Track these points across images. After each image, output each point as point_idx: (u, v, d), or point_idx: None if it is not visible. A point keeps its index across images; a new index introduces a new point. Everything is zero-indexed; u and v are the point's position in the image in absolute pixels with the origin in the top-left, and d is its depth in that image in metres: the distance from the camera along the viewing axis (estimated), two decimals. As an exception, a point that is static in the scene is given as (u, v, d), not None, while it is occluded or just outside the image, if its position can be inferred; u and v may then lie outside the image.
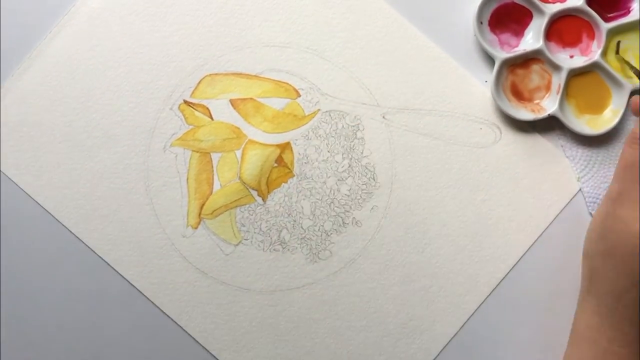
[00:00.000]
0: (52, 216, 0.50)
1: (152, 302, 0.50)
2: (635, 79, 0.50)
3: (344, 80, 0.51)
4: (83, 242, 0.50)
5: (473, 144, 0.51)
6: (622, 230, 0.45)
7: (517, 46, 0.51)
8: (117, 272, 0.50)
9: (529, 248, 0.51)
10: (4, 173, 0.50)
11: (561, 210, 0.51)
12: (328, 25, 0.52)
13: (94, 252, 0.50)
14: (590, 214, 0.51)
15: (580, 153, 0.52)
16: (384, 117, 0.51)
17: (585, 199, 0.51)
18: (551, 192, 0.51)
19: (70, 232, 0.50)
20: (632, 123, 0.51)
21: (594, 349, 0.46)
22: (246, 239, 0.50)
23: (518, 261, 0.51)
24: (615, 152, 0.52)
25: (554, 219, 0.51)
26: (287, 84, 0.51)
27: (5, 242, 0.51)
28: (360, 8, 0.52)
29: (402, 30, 0.52)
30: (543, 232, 0.51)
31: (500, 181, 0.51)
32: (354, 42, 0.51)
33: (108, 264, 0.50)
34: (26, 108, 0.51)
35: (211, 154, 0.51)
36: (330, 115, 0.51)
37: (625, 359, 0.45)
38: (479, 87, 0.51)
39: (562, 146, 0.52)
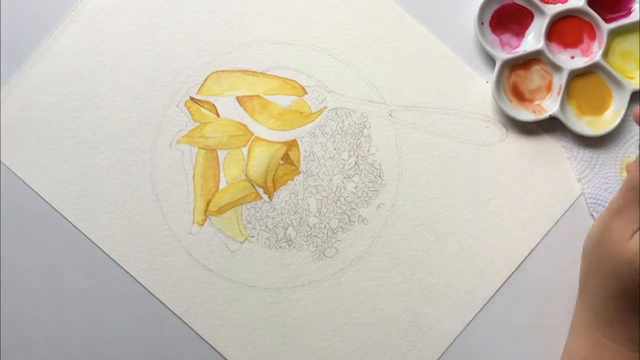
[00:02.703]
0: (58, 212, 0.55)
1: (158, 299, 0.55)
2: (636, 79, 0.54)
3: (350, 78, 0.56)
4: (89, 239, 0.55)
5: (479, 142, 0.56)
6: (613, 244, 0.49)
7: (518, 47, 0.55)
8: (123, 268, 0.55)
9: (535, 246, 0.55)
10: (10, 169, 0.55)
11: (567, 210, 0.56)
12: (335, 22, 0.56)
13: (99, 248, 0.55)
14: (592, 215, 0.56)
15: (581, 154, 0.56)
16: (390, 114, 0.56)
17: (586, 199, 0.56)
18: (557, 191, 0.56)
19: (76, 228, 0.55)
20: (632, 124, 0.55)
21: (590, 342, 0.51)
22: (252, 236, 0.55)
23: (524, 260, 0.55)
24: (616, 153, 0.56)
25: (560, 218, 0.55)
26: (294, 81, 0.56)
27: (11, 238, 0.55)
28: (367, 6, 0.56)
29: (409, 28, 0.56)
30: (549, 230, 0.55)
31: (506, 179, 0.55)
32: (361, 39, 0.56)
33: (114, 261, 0.55)
34: (33, 104, 0.55)
35: (217, 151, 0.55)
36: (336, 113, 0.56)
37: (620, 354, 0.50)
38: (484, 85, 0.56)
39: (563, 147, 0.56)
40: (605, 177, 0.56)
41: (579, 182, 0.56)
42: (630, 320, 0.49)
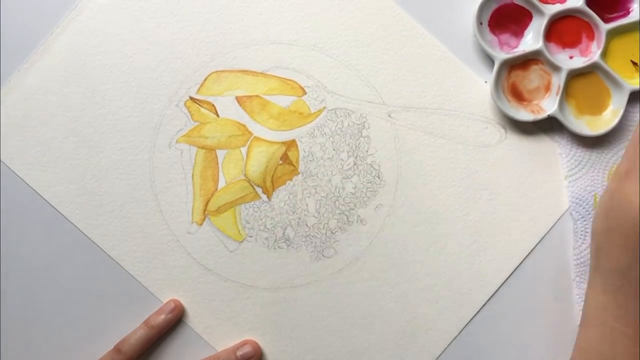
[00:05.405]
0: (58, 211, 0.55)
1: (157, 298, 0.55)
2: (635, 79, 0.54)
3: (349, 79, 0.56)
4: (88, 237, 0.55)
5: (478, 143, 0.56)
6: (624, 206, 0.48)
7: (516, 47, 0.55)
8: (122, 267, 0.55)
9: (534, 247, 0.55)
10: (9, 167, 0.55)
11: (565, 211, 0.55)
12: (334, 23, 0.56)
13: (99, 247, 0.55)
14: (571, 214, 0.55)
15: (574, 152, 0.55)
16: (389, 115, 0.56)
17: (568, 198, 0.56)
18: (556, 192, 0.56)
19: (76, 227, 0.55)
20: (629, 130, 0.55)
21: (601, 329, 0.49)
22: (251, 236, 0.55)
23: (523, 260, 0.55)
24: (607, 158, 0.56)
25: (559, 219, 0.55)
26: (293, 81, 0.56)
27: (10, 237, 0.55)
28: (367, 6, 0.56)
29: (409, 29, 0.56)
30: (548, 231, 0.55)
31: (505, 180, 0.56)
32: (361, 40, 0.56)
33: (113, 260, 0.55)
34: (32, 103, 0.55)
35: (216, 150, 0.56)
36: (335, 113, 0.56)
37: (632, 339, 0.48)
38: (483, 86, 0.56)
39: (556, 142, 0.56)
40: (592, 179, 0.56)
41: (565, 179, 0.56)
42: None
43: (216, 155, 0.56)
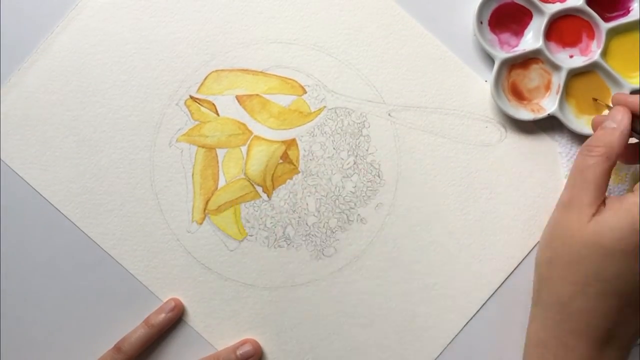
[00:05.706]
0: (58, 210, 0.55)
1: (157, 297, 0.55)
2: (635, 78, 0.54)
3: (350, 78, 0.56)
4: (88, 237, 0.55)
5: (478, 142, 0.56)
6: (566, 236, 0.47)
7: (516, 46, 0.55)
8: (122, 266, 0.55)
9: (534, 247, 0.55)
10: (10, 167, 0.55)
11: None
12: (335, 22, 0.56)
13: (99, 246, 0.55)
14: None
15: (574, 151, 0.55)
16: (389, 114, 0.56)
17: None
18: (556, 191, 0.55)
19: (76, 226, 0.55)
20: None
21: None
22: (251, 235, 0.55)
23: (522, 260, 0.55)
24: None
25: None
26: (293, 80, 0.56)
27: (10, 236, 0.55)
28: (367, 5, 0.56)
29: (409, 28, 0.56)
30: None
31: (505, 180, 0.55)
32: (361, 39, 0.56)
33: (113, 259, 0.55)
34: (32, 102, 0.55)
35: (217, 149, 0.56)
36: (336, 113, 0.56)
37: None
38: (483, 85, 0.56)
39: (556, 141, 0.56)
40: None
41: (565, 178, 0.56)
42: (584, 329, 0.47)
43: (216, 154, 0.56)
